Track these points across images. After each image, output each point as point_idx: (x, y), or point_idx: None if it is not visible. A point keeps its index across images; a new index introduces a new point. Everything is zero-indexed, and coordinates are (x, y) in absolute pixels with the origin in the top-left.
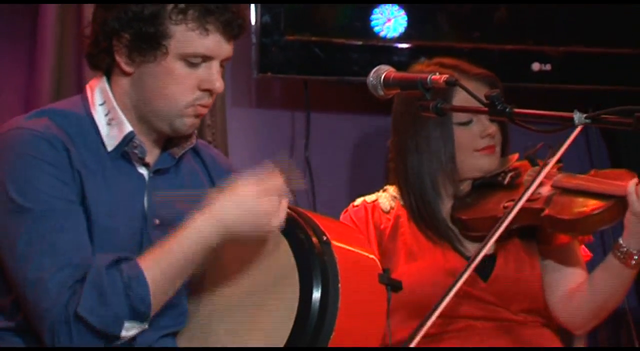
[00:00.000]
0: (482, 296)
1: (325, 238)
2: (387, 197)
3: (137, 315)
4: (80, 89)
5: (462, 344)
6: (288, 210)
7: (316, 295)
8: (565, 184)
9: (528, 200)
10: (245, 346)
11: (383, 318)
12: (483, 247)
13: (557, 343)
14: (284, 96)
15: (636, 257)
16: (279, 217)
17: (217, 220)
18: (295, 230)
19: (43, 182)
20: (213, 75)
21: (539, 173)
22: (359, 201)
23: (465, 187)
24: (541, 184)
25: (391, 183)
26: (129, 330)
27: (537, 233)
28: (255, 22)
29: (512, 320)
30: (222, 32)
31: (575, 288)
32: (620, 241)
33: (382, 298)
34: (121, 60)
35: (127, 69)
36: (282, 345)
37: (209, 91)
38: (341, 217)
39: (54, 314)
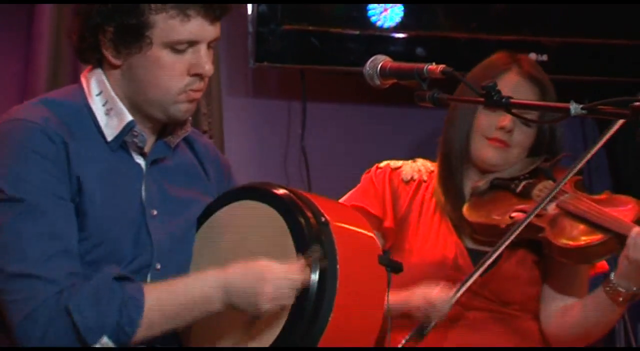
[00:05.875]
0: (476, 289)
1: (323, 219)
2: (412, 168)
3: (119, 334)
4: (77, 79)
5: (452, 334)
6: (285, 190)
7: (314, 277)
8: (569, 207)
9: (535, 215)
10: (242, 329)
11: (383, 299)
12: (488, 257)
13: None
14: (280, 85)
15: (623, 296)
16: (272, 303)
17: (224, 280)
18: (293, 212)
19: (36, 176)
20: (201, 58)
21: (546, 197)
22: (383, 163)
23: (484, 184)
24: (553, 199)
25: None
26: (102, 345)
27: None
28: (252, 11)
29: (503, 312)
30: (204, 16)
31: (569, 307)
32: (611, 277)
33: (381, 279)
34: (108, 54)
35: (115, 61)
36: (280, 328)
37: (199, 75)
38: (363, 177)
39: (42, 299)
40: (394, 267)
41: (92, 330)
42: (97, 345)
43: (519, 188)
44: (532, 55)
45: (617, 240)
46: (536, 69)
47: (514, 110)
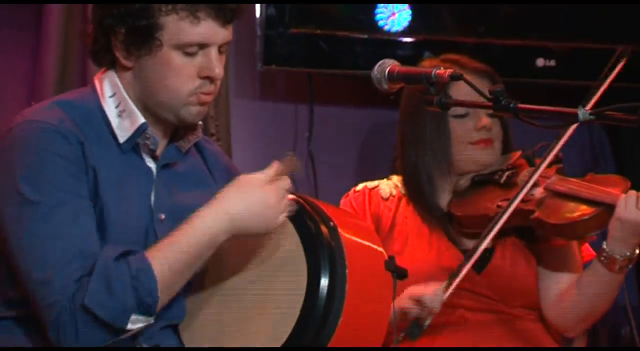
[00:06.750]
0: (475, 288)
1: (332, 224)
2: (388, 185)
3: (144, 308)
4: (85, 79)
5: (456, 337)
6: (294, 196)
7: (324, 281)
8: (557, 187)
9: (521, 201)
10: (250, 333)
11: (389, 304)
12: (477, 246)
13: (549, 338)
14: (287, 89)
15: (619, 263)
16: (284, 213)
17: (224, 213)
18: (302, 216)
19: (54, 176)
20: (211, 62)
21: (531, 175)
22: (360, 186)
23: (465, 181)
24: (536, 185)
25: (397, 174)
26: (135, 323)
27: (534, 232)
28: (261, 14)
29: (507, 312)
30: (215, 18)
31: (566, 291)
32: (604, 246)
33: (387, 284)
34: (120, 56)
35: (127, 63)
36: (289, 332)
37: (209, 78)
38: (341, 202)
39: (60, 307)
40: (400, 273)
41: (118, 315)
42: (130, 325)
43: (503, 179)
44: (540, 60)
45: (609, 211)
46: (473, 61)
47: (522, 116)
